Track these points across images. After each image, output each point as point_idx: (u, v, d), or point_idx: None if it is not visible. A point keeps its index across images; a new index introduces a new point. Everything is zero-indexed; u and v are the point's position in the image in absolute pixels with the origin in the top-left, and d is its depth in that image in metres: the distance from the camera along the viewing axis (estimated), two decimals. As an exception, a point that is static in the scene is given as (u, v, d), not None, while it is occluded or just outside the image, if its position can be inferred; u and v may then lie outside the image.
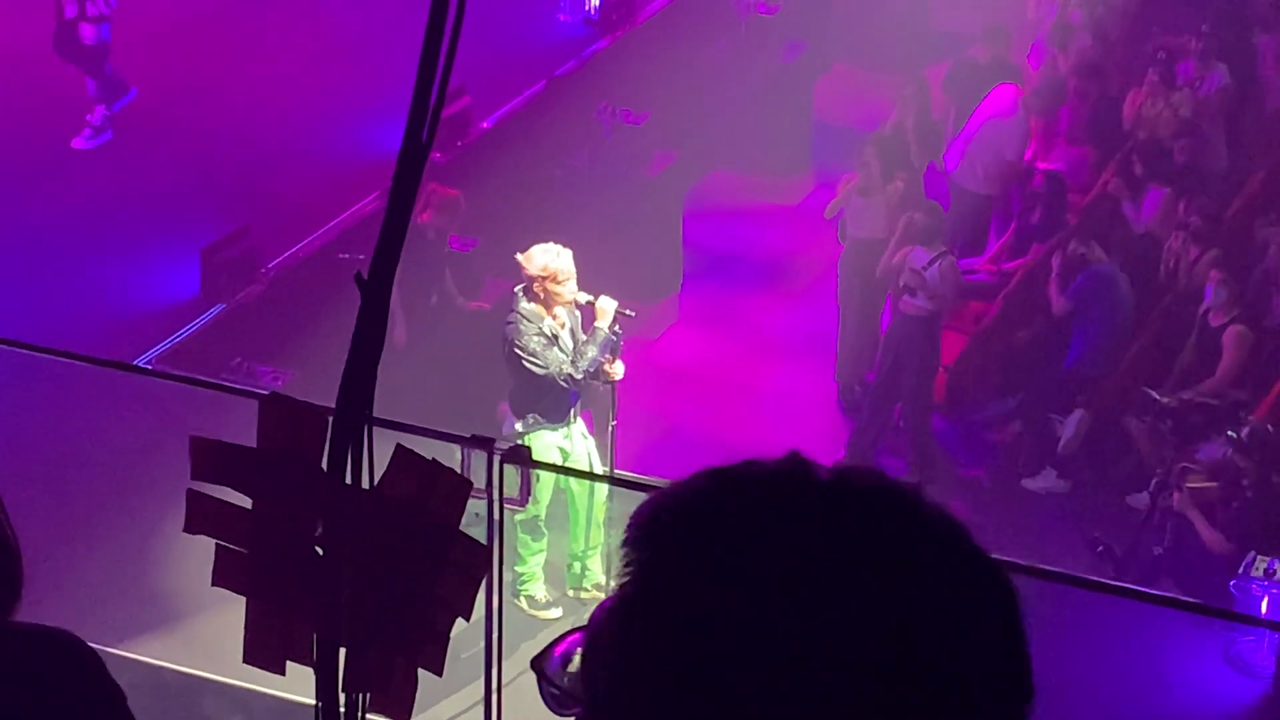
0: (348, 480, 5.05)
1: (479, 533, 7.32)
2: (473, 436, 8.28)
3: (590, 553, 11.42)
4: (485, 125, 15.59)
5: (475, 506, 6.68)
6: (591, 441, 11.33)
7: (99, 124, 15.21)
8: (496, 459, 8.29)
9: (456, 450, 8.95)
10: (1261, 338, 13.41)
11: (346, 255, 13.57)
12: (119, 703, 3.55)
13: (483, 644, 9.18)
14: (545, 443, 10.98)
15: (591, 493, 11.27)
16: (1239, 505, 12.01)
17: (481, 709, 9.90)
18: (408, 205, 5.04)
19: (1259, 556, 11.72)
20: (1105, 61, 16.90)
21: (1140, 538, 12.31)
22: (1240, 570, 11.65)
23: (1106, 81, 16.67)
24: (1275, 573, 11.52)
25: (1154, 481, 12.54)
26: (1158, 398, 12.87)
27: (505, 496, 8.76)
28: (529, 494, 10.01)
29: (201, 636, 10.15)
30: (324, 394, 6.86)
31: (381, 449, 5.33)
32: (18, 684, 3.47)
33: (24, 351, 10.28)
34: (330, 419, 5.16)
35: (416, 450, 5.55)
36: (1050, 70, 16.74)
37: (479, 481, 7.92)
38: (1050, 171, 15.62)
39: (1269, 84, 16.86)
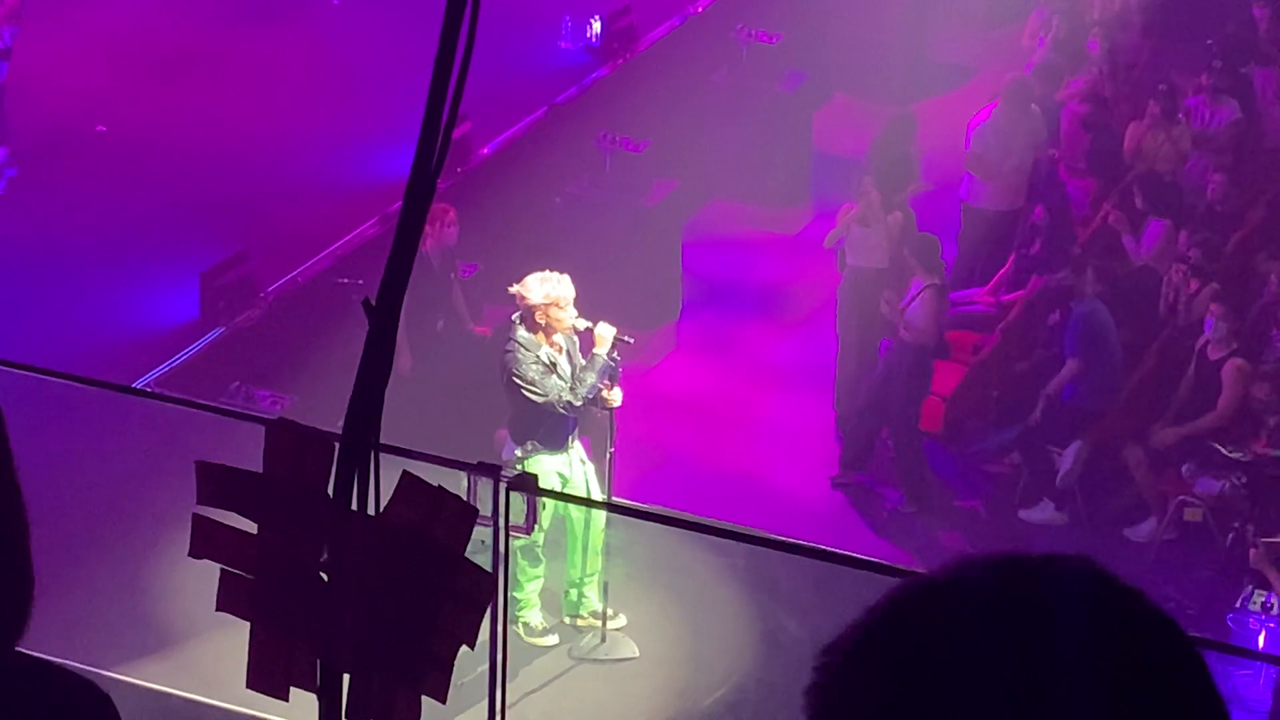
0: (353, 506, 5.03)
1: (484, 560, 7.30)
2: (479, 464, 8.26)
3: (587, 580, 11.40)
4: (485, 151, 15.60)
5: (481, 534, 6.67)
6: (590, 467, 11.31)
7: (3, 161, 14.97)
8: (503, 486, 8.27)
9: (463, 478, 8.94)
10: (1260, 371, 13.41)
11: (346, 280, 13.57)
12: None
13: (479, 669, 9.16)
14: (545, 469, 10.96)
15: (589, 520, 11.26)
16: None
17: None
18: (416, 232, 5.03)
19: (1257, 590, 11.70)
20: (1108, 93, 16.94)
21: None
22: (1238, 604, 11.63)
23: (1109, 113, 16.70)
24: (1273, 607, 11.50)
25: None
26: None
27: (511, 524, 8.74)
28: (535, 521, 9.99)
29: (204, 662, 10.10)
30: (323, 418, 6.86)
31: (386, 475, 5.32)
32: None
33: (23, 373, 10.27)
34: (336, 445, 5.14)
35: (422, 477, 5.54)
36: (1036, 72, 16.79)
37: (485, 509, 7.90)
38: (1050, 203, 15.64)
39: (1267, 117, 16.88)
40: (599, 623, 11.35)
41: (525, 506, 9.51)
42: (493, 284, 13.47)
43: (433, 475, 5.82)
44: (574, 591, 11.43)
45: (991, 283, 15.44)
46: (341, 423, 9.17)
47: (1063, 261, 14.58)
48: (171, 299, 13.60)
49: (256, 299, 13.60)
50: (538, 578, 11.26)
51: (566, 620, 11.47)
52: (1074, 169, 16.40)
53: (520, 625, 11.24)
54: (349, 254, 14.15)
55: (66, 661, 3.61)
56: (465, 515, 5.49)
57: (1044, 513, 13.56)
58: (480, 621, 5.57)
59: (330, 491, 5.18)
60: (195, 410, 10.54)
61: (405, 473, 5.48)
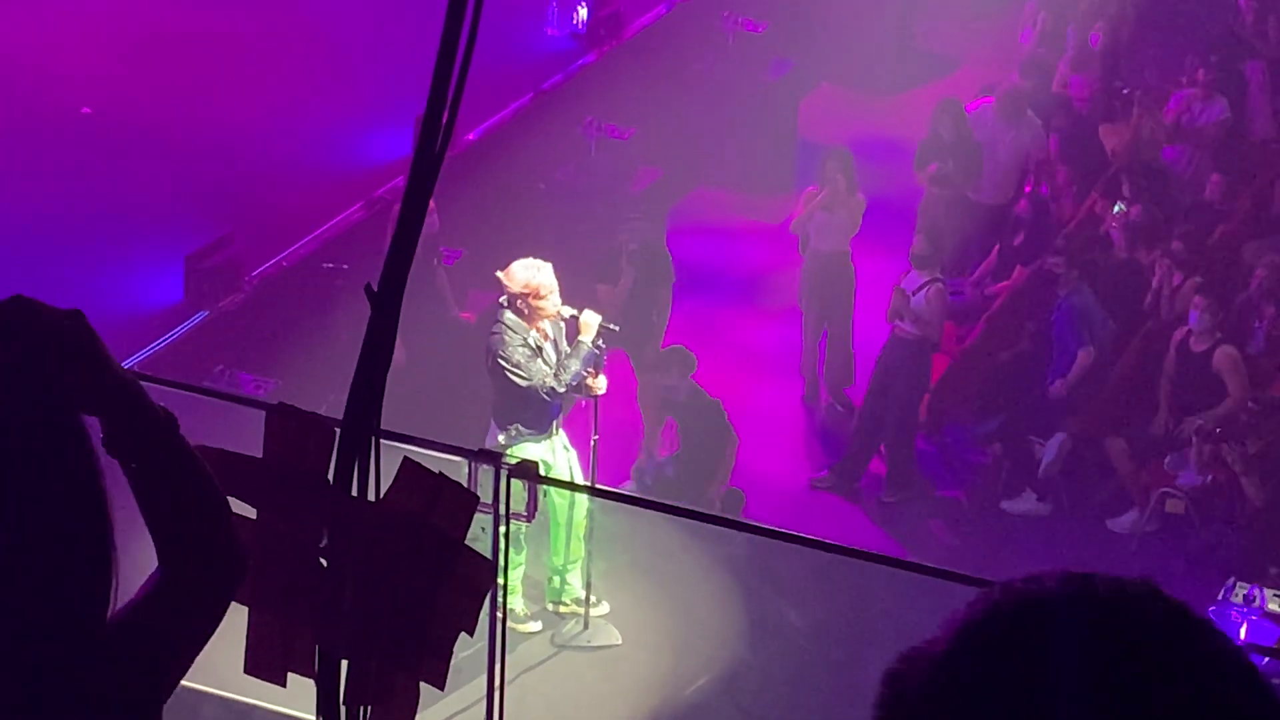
0: (354, 492, 5.02)
1: (483, 547, 7.29)
2: (480, 451, 8.27)
3: (570, 567, 11.40)
4: (471, 137, 15.56)
5: (480, 521, 6.66)
6: (573, 454, 11.32)
7: None
8: (504, 474, 8.27)
9: (464, 465, 8.93)
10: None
11: (330, 264, 13.56)
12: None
13: (464, 654, 9.15)
14: (529, 454, 10.94)
15: (572, 506, 11.26)
16: None
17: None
18: (419, 217, 5.02)
19: (1239, 583, 11.74)
20: (1088, 85, 16.95)
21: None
22: (1220, 596, 11.65)
23: (1086, 108, 16.72)
24: (1255, 599, 11.54)
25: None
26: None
27: (513, 511, 8.73)
28: (536, 509, 9.99)
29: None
30: (307, 402, 6.81)
31: (386, 462, 5.30)
32: None
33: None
34: (337, 431, 5.13)
35: (423, 464, 5.54)
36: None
37: (485, 496, 7.89)
38: (1034, 195, 15.67)
39: (1255, 110, 16.89)
40: (581, 609, 11.36)
41: (526, 494, 9.50)
42: (477, 270, 13.47)
43: (432, 462, 5.82)
44: (557, 578, 11.44)
45: (976, 274, 15.47)
46: (327, 406, 9.17)
47: (1047, 253, 14.60)
48: (156, 282, 13.55)
49: (241, 282, 13.57)
50: (519, 565, 11.26)
51: (549, 607, 11.47)
52: (1054, 164, 16.44)
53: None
54: (334, 238, 14.13)
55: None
56: (466, 502, 5.50)
57: (1026, 503, 13.59)
58: (479, 608, 5.57)
59: (330, 477, 5.17)
60: (182, 392, 10.49)
61: (406, 459, 5.48)
